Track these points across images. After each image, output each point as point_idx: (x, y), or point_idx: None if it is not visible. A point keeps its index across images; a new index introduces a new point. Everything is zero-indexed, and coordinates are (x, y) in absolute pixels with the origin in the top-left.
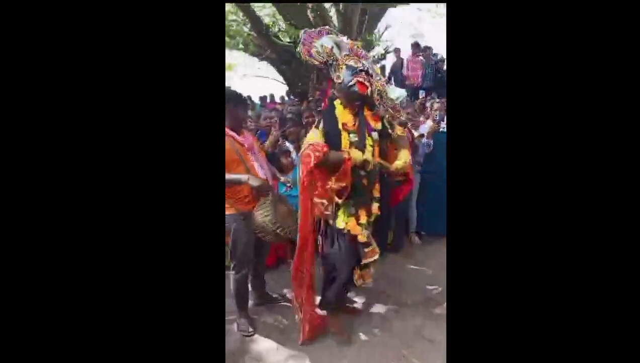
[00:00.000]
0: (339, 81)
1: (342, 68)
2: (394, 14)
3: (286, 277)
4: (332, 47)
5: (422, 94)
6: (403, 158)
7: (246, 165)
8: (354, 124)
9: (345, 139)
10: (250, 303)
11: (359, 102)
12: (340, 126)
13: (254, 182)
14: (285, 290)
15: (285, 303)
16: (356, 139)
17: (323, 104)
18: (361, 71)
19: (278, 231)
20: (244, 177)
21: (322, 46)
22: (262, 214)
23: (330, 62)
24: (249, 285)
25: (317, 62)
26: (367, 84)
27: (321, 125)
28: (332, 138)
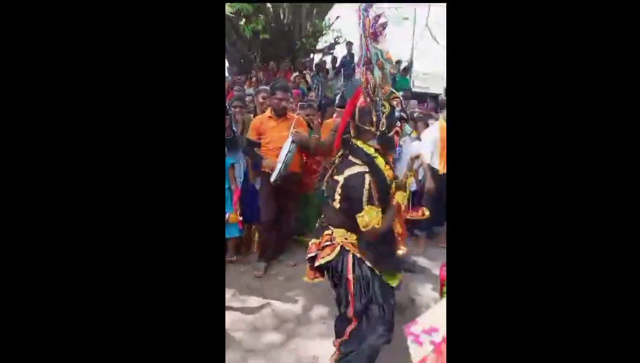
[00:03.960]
0: (382, 128)
1: (386, 108)
2: (345, 5)
3: None
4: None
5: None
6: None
7: None
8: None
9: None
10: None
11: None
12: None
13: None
14: None
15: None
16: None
17: (340, 155)
18: (402, 119)
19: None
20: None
21: (381, 58)
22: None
23: (376, 95)
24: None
25: (368, 85)
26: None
27: (367, 196)
28: (384, 198)
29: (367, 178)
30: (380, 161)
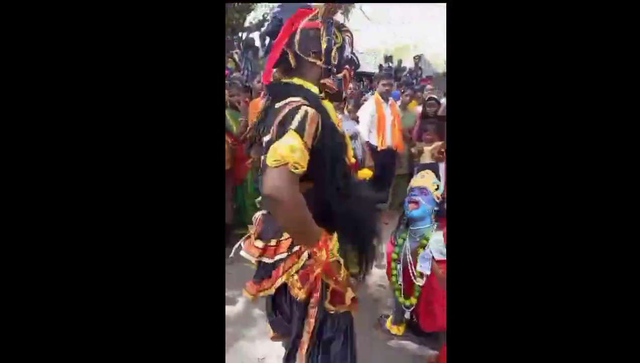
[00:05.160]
0: (334, 62)
1: (338, 39)
2: None
3: None
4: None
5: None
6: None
7: None
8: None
9: (350, 150)
10: None
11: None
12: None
13: None
14: None
15: None
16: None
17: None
18: (353, 63)
19: None
20: None
21: None
22: None
23: (330, 11)
24: None
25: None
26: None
27: (298, 122)
28: (329, 149)
29: (305, 108)
30: (328, 104)
